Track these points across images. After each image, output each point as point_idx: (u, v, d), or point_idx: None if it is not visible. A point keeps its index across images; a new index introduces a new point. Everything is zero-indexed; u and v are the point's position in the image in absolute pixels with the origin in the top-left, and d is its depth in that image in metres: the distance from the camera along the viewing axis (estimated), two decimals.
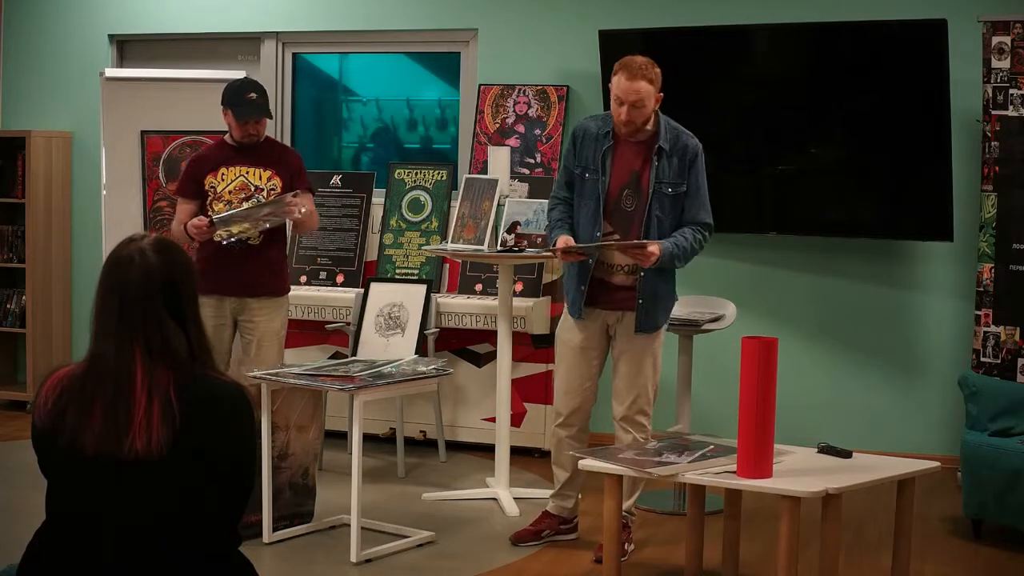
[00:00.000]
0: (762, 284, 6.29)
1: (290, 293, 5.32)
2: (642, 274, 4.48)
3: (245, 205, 5.03)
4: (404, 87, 7.31)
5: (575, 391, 4.68)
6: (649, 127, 4.51)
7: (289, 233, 5.56)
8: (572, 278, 4.64)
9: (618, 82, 4.42)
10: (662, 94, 4.47)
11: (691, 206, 4.51)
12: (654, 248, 4.37)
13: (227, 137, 5.18)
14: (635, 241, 4.43)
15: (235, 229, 4.98)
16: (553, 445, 4.83)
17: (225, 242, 4.98)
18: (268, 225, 5.03)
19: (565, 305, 4.71)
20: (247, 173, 5.10)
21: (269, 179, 5.12)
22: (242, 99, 5.07)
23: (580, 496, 4.87)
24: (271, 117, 5.24)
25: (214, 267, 4.99)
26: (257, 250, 5.09)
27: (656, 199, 4.47)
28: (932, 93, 5.66)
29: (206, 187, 5.11)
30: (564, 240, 4.52)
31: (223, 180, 5.10)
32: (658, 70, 4.46)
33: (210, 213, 5.05)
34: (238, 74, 6.36)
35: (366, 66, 7.36)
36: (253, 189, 5.09)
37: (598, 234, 4.50)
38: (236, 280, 5.05)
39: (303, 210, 5.02)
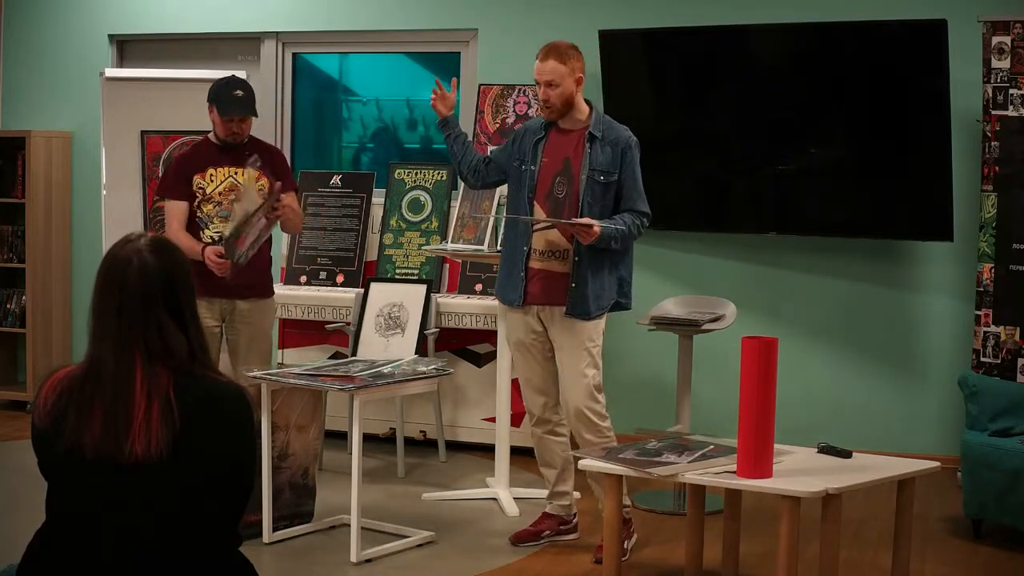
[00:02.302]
0: (762, 284, 6.28)
1: (286, 293, 5.27)
2: (576, 258, 4.50)
3: (235, 210, 4.90)
4: (404, 87, 7.30)
5: (536, 388, 4.71)
6: (582, 117, 4.59)
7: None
8: (507, 265, 4.66)
9: (535, 67, 4.56)
10: (582, 76, 4.57)
11: (628, 196, 4.55)
12: (596, 228, 4.40)
13: (211, 136, 5.08)
14: (578, 219, 4.45)
15: (244, 248, 4.87)
16: (535, 446, 4.83)
17: (244, 260, 4.87)
18: (265, 234, 4.94)
19: (498, 302, 4.74)
20: (235, 173, 5.00)
21: (257, 179, 5.01)
22: (227, 95, 4.96)
23: (578, 495, 4.87)
24: (256, 116, 5.10)
25: (203, 270, 4.89)
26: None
27: (588, 186, 4.50)
28: (932, 93, 5.66)
29: (194, 188, 5.01)
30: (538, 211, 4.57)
31: (212, 181, 4.99)
32: (576, 53, 4.57)
33: (208, 235, 4.96)
34: (238, 74, 6.37)
35: (366, 66, 7.35)
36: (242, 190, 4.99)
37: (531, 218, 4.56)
38: (224, 283, 4.93)
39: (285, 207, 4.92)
